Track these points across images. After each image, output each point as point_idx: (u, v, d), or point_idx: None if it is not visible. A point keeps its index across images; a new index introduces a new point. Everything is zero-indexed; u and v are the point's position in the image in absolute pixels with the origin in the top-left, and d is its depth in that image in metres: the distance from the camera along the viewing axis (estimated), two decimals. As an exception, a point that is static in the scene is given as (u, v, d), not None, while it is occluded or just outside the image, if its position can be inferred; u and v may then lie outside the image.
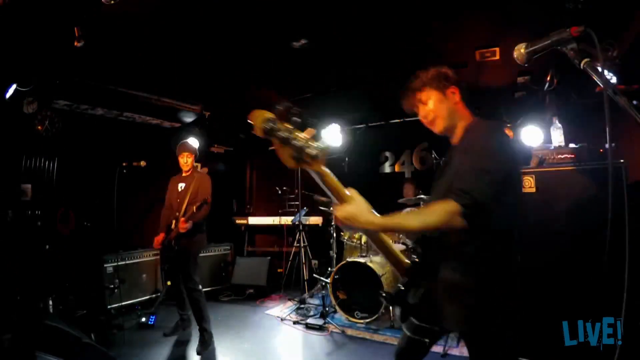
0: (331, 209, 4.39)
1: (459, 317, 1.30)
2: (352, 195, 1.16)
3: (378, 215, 1.14)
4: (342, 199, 1.16)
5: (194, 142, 4.17)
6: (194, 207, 3.28)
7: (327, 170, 1.15)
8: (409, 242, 4.06)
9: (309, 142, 1.09)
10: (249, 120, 1.07)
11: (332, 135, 5.00)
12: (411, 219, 1.17)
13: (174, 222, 3.40)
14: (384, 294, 1.37)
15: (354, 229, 1.18)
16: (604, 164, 2.47)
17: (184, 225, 3.27)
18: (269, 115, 1.07)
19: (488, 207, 1.11)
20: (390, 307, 3.73)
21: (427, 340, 1.50)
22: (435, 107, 1.42)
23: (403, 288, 1.34)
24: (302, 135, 1.09)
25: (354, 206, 1.13)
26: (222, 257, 5.25)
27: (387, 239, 1.37)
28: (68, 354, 2.15)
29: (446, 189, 1.22)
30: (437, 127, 1.44)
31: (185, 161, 3.57)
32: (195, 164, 3.97)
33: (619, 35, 2.85)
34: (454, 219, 1.10)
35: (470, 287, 1.27)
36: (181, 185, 3.53)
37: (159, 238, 3.43)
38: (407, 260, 1.40)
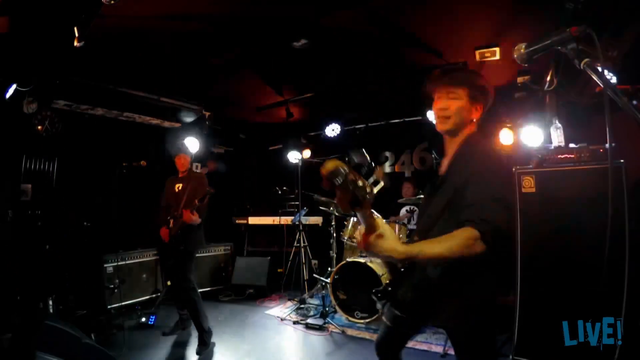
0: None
1: (448, 313, 1.37)
2: (379, 223, 1.20)
3: (402, 245, 1.19)
4: (372, 228, 1.19)
5: (190, 143, 4.18)
6: (197, 200, 3.24)
7: (372, 211, 1.21)
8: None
9: (368, 189, 1.12)
10: (321, 172, 1.08)
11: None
12: (433, 247, 1.19)
13: (172, 221, 3.40)
14: (374, 291, 1.41)
15: (377, 255, 1.23)
16: (603, 164, 2.47)
17: (188, 215, 3.22)
18: (343, 168, 1.07)
19: (505, 232, 1.20)
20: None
21: (408, 331, 1.61)
22: (457, 110, 1.42)
23: (390, 285, 1.40)
24: (364, 183, 1.11)
25: (384, 241, 1.17)
26: (222, 257, 5.25)
27: None
28: (68, 354, 2.15)
29: (450, 212, 1.32)
30: (444, 126, 1.45)
31: (182, 163, 3.58)
32: (195, 164, 3.98)
33: (619, 35, 2.85)
34: (476, 246, 1.16)
35: (457, 285, 1.34)
36: (178, 186, 3.54)
37: (165, 231, 3.41)
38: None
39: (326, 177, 1.07)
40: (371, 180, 1.25)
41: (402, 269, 1.41)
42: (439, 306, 1.38)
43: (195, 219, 3.29)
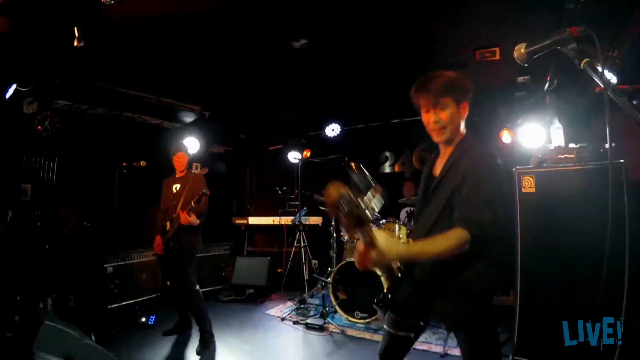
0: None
1: (449, 308, 1.40)
2: (378, 234, 1.24)
3: (402, 245, 1.32)
4: (372, 242, 1.22)
5: (190, 142, 4.18)
6: (193, 202, 3.23)
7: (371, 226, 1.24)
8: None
9: (369, 210, 1.15)
10: (324, 197, 1.09)
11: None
12: (431, 246, 1.30)
13: (168, 223, 3.38)
14: (375, 302, 1.45)
15: (384, 264, 1.34)
16: (603, 164, 2.47)
17: (185, 217, 3.19)
18: (347, 193, 1.07)
19: (490, 235, 1.29)
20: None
21: (411, 334, 1.57)
22: (450, 118, 1.44)
23: (389, 292, 1.44)
24: (366, 204, 1.14)
25: (384, 244, 1.23)
26: (222, 257, 5.25)
27: None
28: (68, 354, 2.15)
29: (448, 211, 1.37)
30: (442, 137, 1.47)
31: (180, 161, 3.53)
32: (195, 164, 3.97)
33: (619, 34, 2.85)
34: (465, 247, 1.26)
35: (457, 280, 1.38)
36: (176, 187, 3.51)
37: (159, 242, 3.39)
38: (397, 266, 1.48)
39: (332, 205, 1.08)
40: (370, 197, 1.28)
41: (399, 274, 1.44)
42: (440, 302, 1.41)
43: (193, 220, 3.26)
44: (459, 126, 1.47)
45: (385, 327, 1.61)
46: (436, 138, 1.49)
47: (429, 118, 1.47)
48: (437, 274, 1.40)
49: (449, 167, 1.44)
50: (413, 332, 1.56)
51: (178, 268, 3.34)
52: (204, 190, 3.25)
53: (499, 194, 1.36)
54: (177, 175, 3.57)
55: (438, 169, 1.52)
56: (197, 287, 3.35)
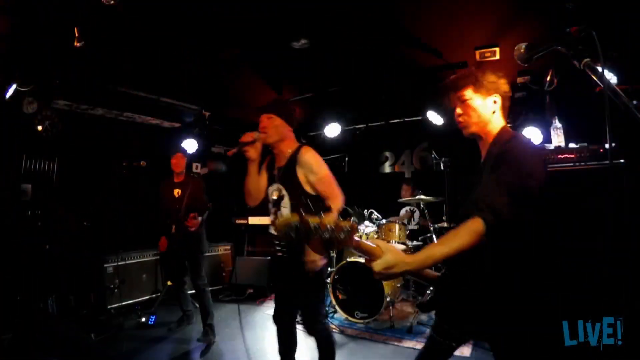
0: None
1: (488, 320, 1.32)
2: (382, 247, 1.15)
3: (409, 256, 1.15)
4: (375, 255, 1.14)
5: (189, 142, 4.23)
6: (197, 215, 3.40)
7: (359, 240, 1.14)
8: (409, 243, 4.06)
9: (336, 228, 1.07)
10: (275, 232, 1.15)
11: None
12: (438, 248, 1.15)
13: (174, 227, 3.43)
14: (419, 304, 1.45)
15: (393, 277, 1.20)
16: (603, 164, 2.48)
17: (193, 223, 3.37)
18: (292, 220, 1.06)
19: (511, 224, 1.14)
20: (390, 307, 3.74)
21: (453, 344, 1.49)
22: (470, 112, 1.40)
23: (434, 294, 1.44)
24: (329, 223, 1.07)
25: (388, 257, 1.13)
26: (222, 257, 5.25)
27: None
28: (68, 355, 2.15)
29: (471, 201, 1.24)
30: (465, 132, 1.44)
31: (177, 163, 3.57)
32: (195, 164, 3.97)
33: (619, 34, 2.85)
34: (479, 238, 1.12)
35: (497, 292, 1.29)
36: (177, 192, 3.55)
37: (164, 242, 3.49)
38: (435, 273, 1.43)
39: (282, 237, 1.08)
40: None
41: (442, 277, 1.39)
42: (485, 315, 1.31)
43: (197, 222, 3.43)
44: (487, 120, 1.41)
45: (430, 330, 1.55)
46: (464, 133, 1.47)
47: (456, 114, 1.47)
48: (491, 285, 1.29)
49: (485, 164, 1.40)
50: (456, 342, 1.48)
51: (191, 267, 3.48)
52: (208, 206, 3.46)
53: (534, 184, 1.20)
54: (176, 180, 3.60)
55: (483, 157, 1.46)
56: (206, 281, 3.51)
